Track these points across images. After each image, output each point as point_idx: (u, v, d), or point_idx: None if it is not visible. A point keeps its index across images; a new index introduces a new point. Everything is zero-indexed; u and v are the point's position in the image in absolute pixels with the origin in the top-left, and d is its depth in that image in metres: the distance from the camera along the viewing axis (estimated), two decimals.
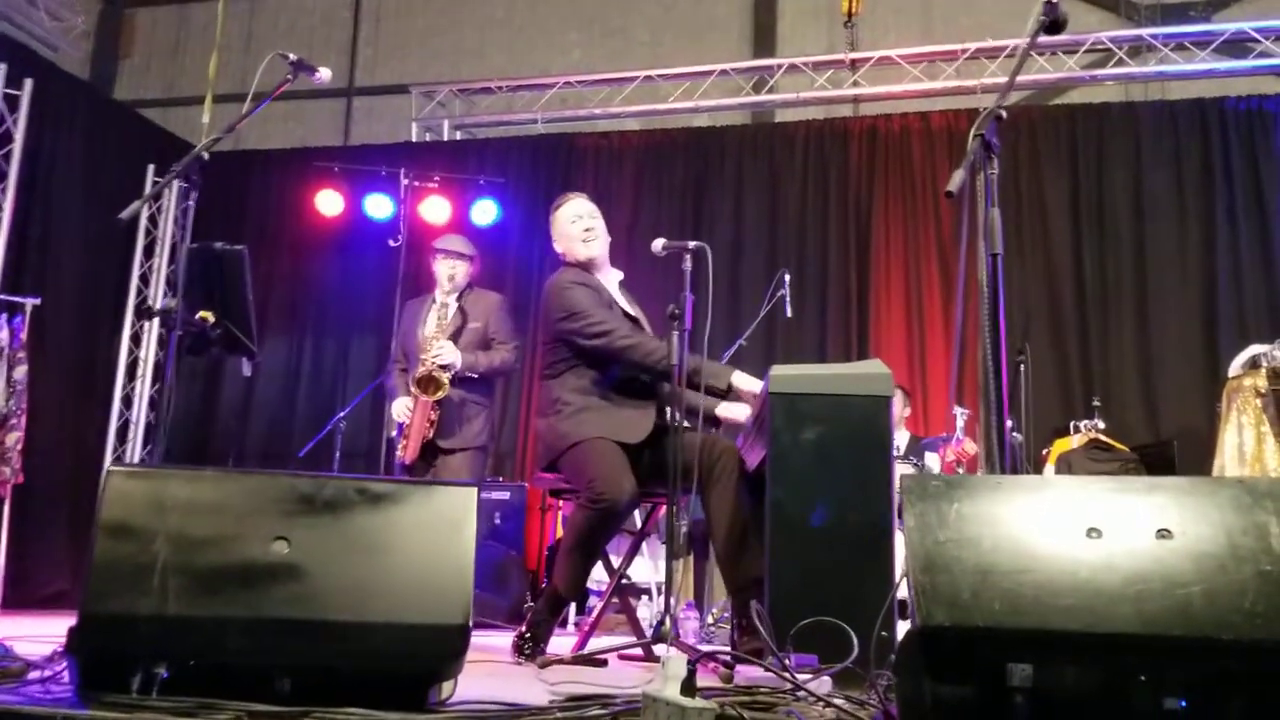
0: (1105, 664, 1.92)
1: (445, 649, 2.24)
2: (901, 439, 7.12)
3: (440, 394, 5.45)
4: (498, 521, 7.25)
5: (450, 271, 5.77)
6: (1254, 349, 6.65)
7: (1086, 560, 1.98)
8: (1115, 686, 1.91)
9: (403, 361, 5.87)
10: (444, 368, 5.46)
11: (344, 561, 2.26)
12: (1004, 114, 2.63)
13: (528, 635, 4.02)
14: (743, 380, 4.03)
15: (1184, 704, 1.89)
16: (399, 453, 5.62)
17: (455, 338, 5.62)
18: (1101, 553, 1.98)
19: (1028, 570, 1.98)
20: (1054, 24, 2.94)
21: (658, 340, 4.14)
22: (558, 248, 4.57)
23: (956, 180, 2.47)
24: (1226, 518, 1.98)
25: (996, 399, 2.55)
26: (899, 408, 7.06)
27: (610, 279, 4.53)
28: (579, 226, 4.47)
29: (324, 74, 4.00)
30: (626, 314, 4.38)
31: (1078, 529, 2.02)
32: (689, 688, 2.12)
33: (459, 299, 5.77)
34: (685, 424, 3.90)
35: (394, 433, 5.78)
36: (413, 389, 5.51)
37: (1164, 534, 1.98)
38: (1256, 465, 6.32)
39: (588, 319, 4.18)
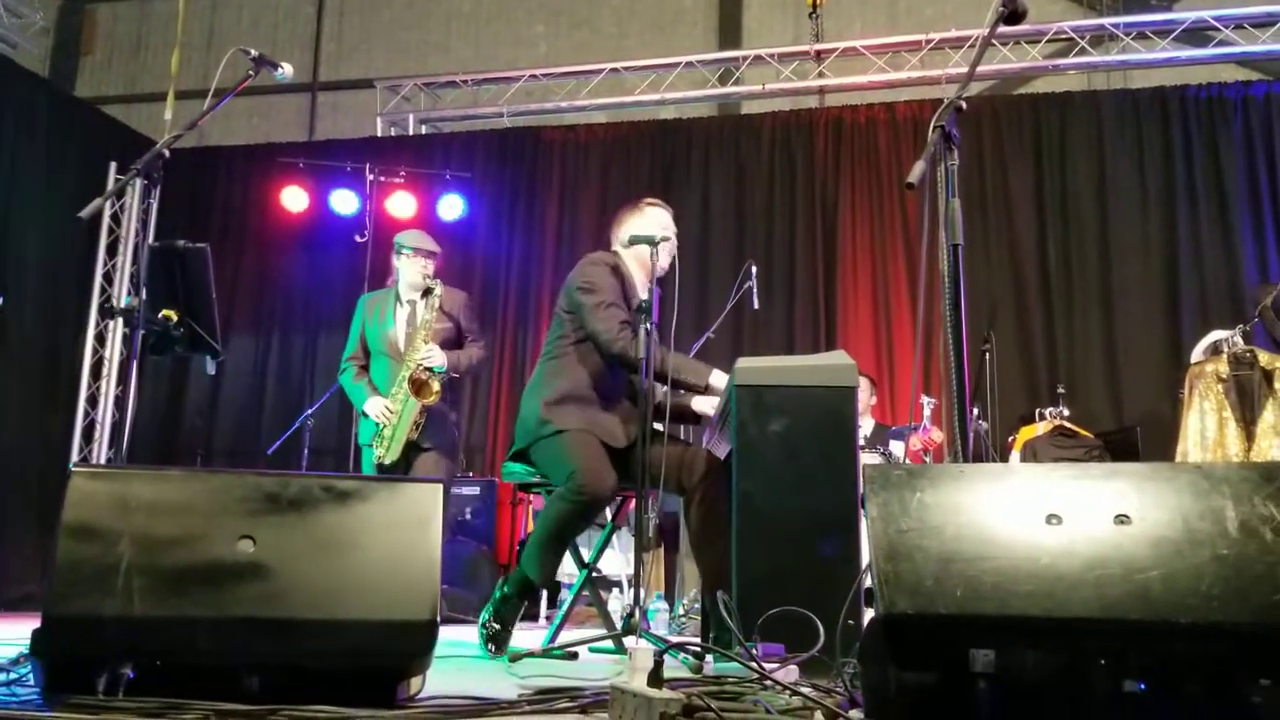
0: (1066, 648, 1.94)
1: (413, 645, 2.25)
2: (867, 427, 7.15)
3: (432, 398, 5.33)
4: (468, 516, 7.24)
5: (421, 269, 5.62)
6: (1215, 335, 6.74)
7: (1047, 546, 2.00)
8: (1076, 670, 1.93)
9: (361, 358, 5.70)
10: (432, 371, 5.36)
11: (310, 559, 2.26)
12: (964, 105, 2.66)
13: (496, 625, 4.00)
14: (721, 380, 4.01)
15: (1143, 686, 1.91)
16: (378, 453, 5.46)
17: (435, 337, 5.53)
18: (1061, 539, 2.01)
19: (989, 557, 2.00)
20: (1013, 14, 2.96)
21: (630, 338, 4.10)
22: (623, 240, 4.37)
23: (917, 171, 2.49)
24: (1184, 503, 2.00)
25: (958, 388, 2.58)
26: (865, 396, 7.09)
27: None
28: (666, 247, 4.27)
29: (286, 70, 3.98)
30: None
31: (1038, 516, 2.04)
32: (656, 679, 2.13)
33: (430, 299, 5.64)
34: (658, 426, 3.91)
35: (366, 440, 5.59)
36: (403, 390, 5.37)
37: (1122, 520, 2.01)
38: (1219, 450, 6.39)
39: (600, 298, 4.13)
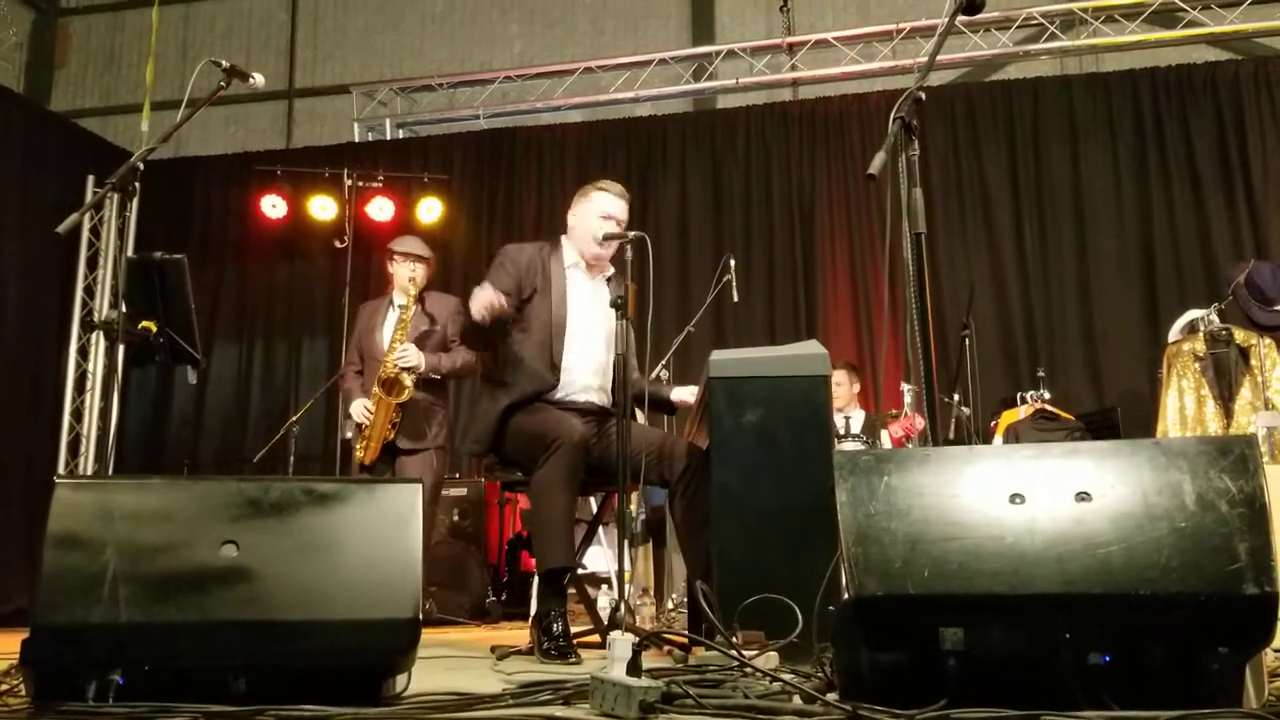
0: (1031, 624, 2.00)
1: (396, 643, 2.29)
2: (857, 418, 7.20)
3: (404, 396, 5.44)
4: (456, 519, 7.27)
5: (410, 273, 5.73)
6: (1191, 314, 6.81)
7: (1010, 525, 2.05)
8: (1042, 644, 1.99)
9: (358, 364, 5.86)
10: (407, 370, 5.44)
11: (293, 562, 2.30)
12: (923, 96, 2.70)
13: (553, 632, 3.74)
14: (682, 394, 4.18)
15: (1107, 659, 1.97)
16: (358, 453, 5.60)
17: (420, 340, 5.61)
18: (1024, 517, 2.06)
19: (955, 538, 2.06)
20: (971, 4, 2.99)
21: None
22: (571, 222, 4.37)
23: (877, 162, 2.54)
24: (1143, 478, 2.06)
25: (926, 373, 2.63)
26: (848, 385, 7.14)
27: (582, 270, 4.38)
28: (603, 225, 4.27)
29: (258, 79, 4.00)
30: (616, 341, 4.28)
31: (1001, 496, 2.09)
32: (635, 668, 2.18)
33: (419, 301, 5.75)
34: (640, 417, 3.95)
35: (349, 434, 5.75)
36: (376, 390, 5.48)
37: (1083, 497, 2.06)
38: (1198, 427, 6.47)
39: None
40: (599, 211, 4.30)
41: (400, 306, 5.74)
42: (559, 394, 4.13)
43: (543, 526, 3.85)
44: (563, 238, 4.40)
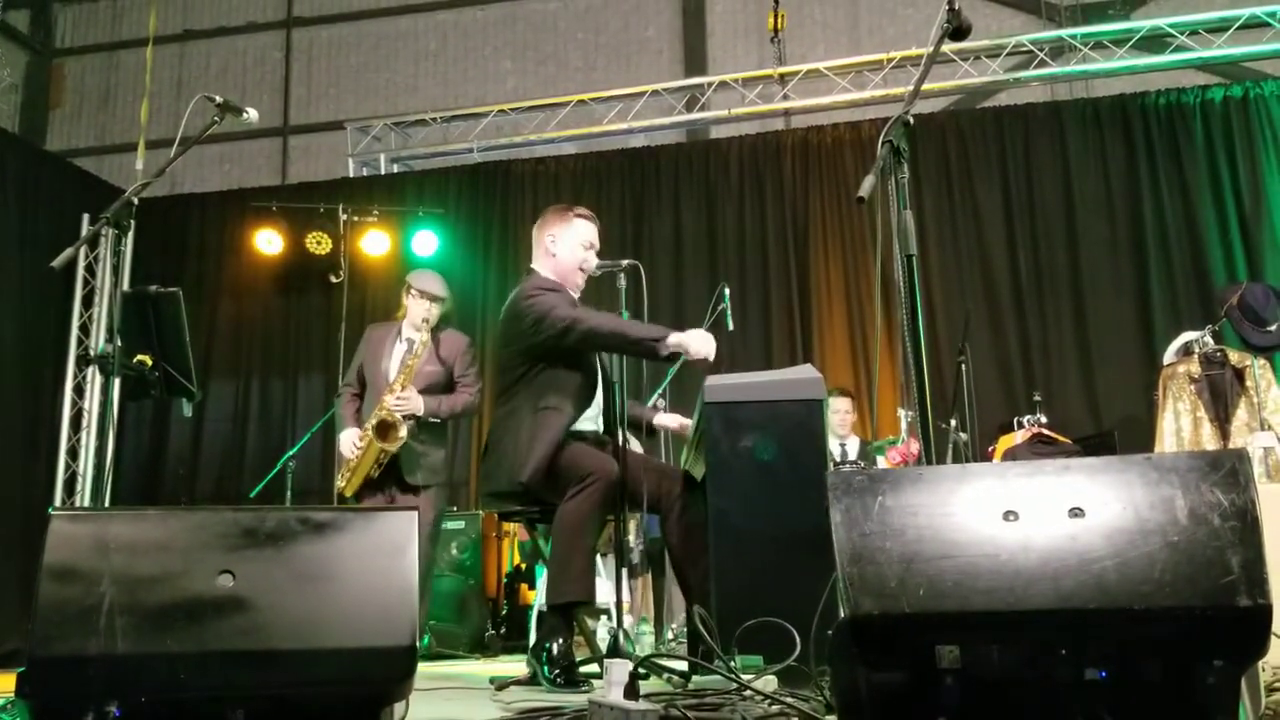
0: (1027, 641, 2.00)
1: (394, 671, 2.28)
2: (853, 445, 7.21)
3: (395, 446, 5.40)
4: (454, 552, 7.25)
5: (425, 313, 5.67)
6: (1186, 336, 6.83)
7: (1005, 543, 2.06)
8: (1038, 661, 1.99)
9: (356, 386, 5.79)
10: (406, 417, 5.42)
11: (289, 591, 2.30)
12: (911, 120, 2.73)
13: (562, 661, 3.77)
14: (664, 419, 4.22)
15: (1104, 675, 1.97)
16: (339, 482, 5.57)
17: (426, 380, 5.58)
18: (1019, 535, 2.06)
19: (949, 556, 2.06)
20: (957, 30, 3.03)
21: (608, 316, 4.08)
22: (551, 250, 4.33)
23: (867, 185, 2.56)
24: (1135, 494, 2.07)
25: (920, 396, 2.64)
26: (843, 413, 7.16)
27: None
28: (590, 258, 4.31)
29: (251, 115, 4.02)
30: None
31: (995, 513, 2.10)
32: (633, 692, 2.18)
33: (432, 339, 5.70)
34: (633, 443, 3.95)
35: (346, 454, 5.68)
36: (369, 430, 5.44)
37: (1076, 513, 2.07)
38: (1195, 449, 6.47)
39: (554, 311, 4.05)
40: (584, 241, 4.33)
41: (409, 340, 5.70)
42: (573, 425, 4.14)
43: (567, 559, 3.81)
44: (537, 265, 4.37)
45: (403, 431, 5.41)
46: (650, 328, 4.00)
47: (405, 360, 5.57)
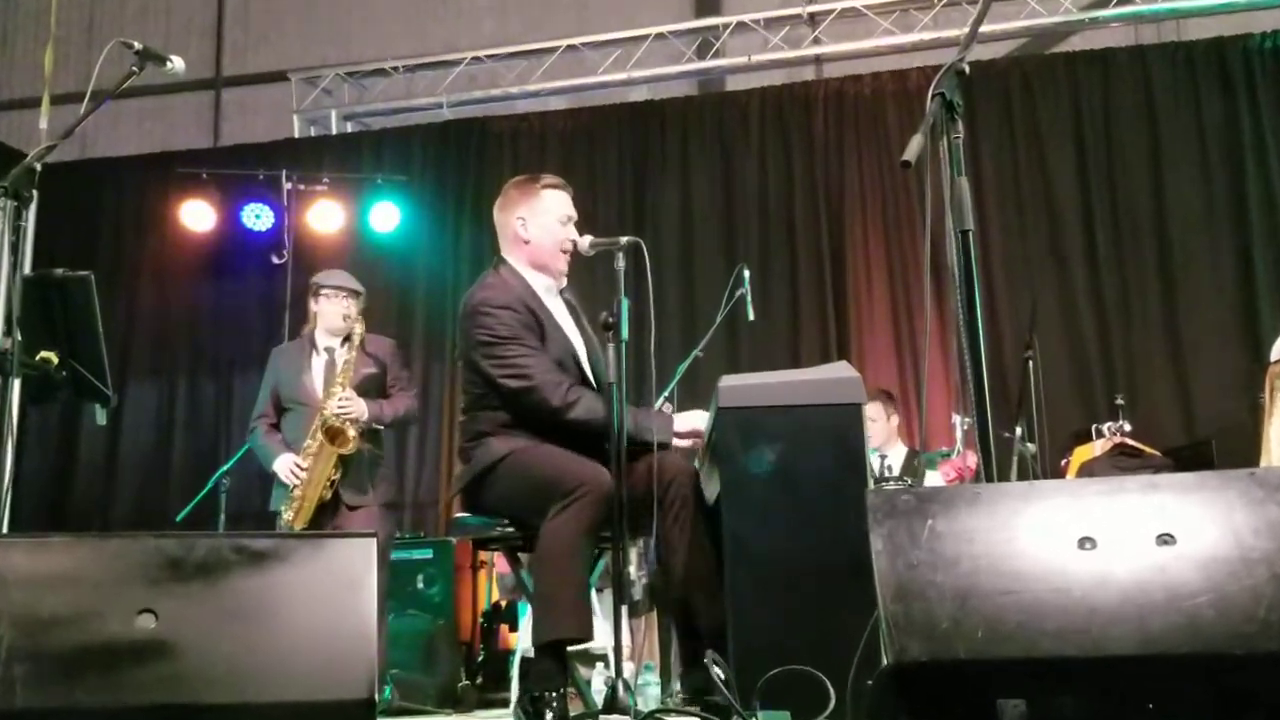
0: (1106, 692, 2.00)
1: None
2: (896, 456, 7.20)
3: (349, 447, 5.54)
4: (420, 586, 7.24)
5: (344, 310, 5.85)
6: None
7: (1079, 575, 2.06)
8: (1119, 717, 1.99)
9: (272, 416, 5.94)
10: (350, 421, 5.53)
11: (223, 634, 2.30)
12: (967, 68, 2.72)
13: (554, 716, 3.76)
14: (687, 421, 4.13)
15: None
16: (287, 518, 5.62)
17: (363, 385, 5.74)
18: (1095, 565, 2.06)
19: (1013, 591, 2.06)
20: None
21: (595, 397, 4.07)
22: (523, 234, 4.32)
23: (913, 147, 2.55)
24: (1235, 516, 2.07)
25: (978, 399, 2.64)
26: (884, 420, 7.16)
27: (554, 292, 4.43)
28: (570, 232, 4.31)
29: (177, 64, 4.01)
30: (578, 354, 4.31)
31: (1068, 540, 2.10)
32: None
33: (350, 341, 5.81)
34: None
35: (280, 507, 5.74)
36: (315, 439, 5.54)
37: (1165, 539, 2.07)
38: None
39: (504, 358, 4.06)
40: (559, 215, 4.33)
41: (327, 351, 5.86)
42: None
43: (555, 589, 3.80)
44: (509, 255, 4.37)
45: (352, 433, 5.54)
46: (650, 425, 4.02)
47: (344, 357, 5.69)
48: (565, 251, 4.29)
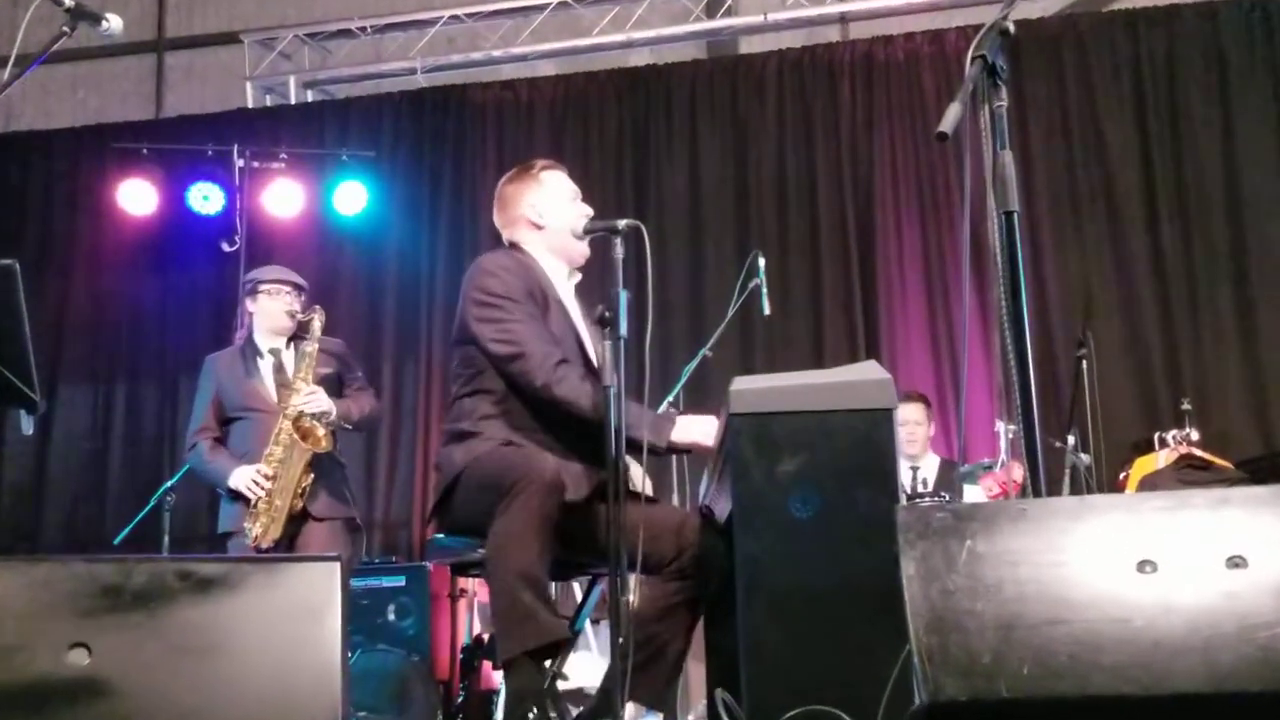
0: None
1: None
2: (930, 467, 7.21)
3: (323, 445, 5.63)
4: (392, 617, 7.25)
5: (287, 306, 5.94)
6: None
7: (1138, 603, 2.06)
8: None
9: (215, 429, 5.97)
10: (316, 417, 5.56)
11: (166, 671, 2.30)
12: (1012, 28, 2.72)
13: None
14: (692, 431, 4.10)
15: None
16: (254, 534, 5.60)
17: (323, 384, 5.83)
18: (1157, 592, 2.06)
19: (1064, 621, 2.06)
20: None
21: (585, 378, 4.12)
22: (539, 221, 4.41)
23: (951, 117, 2.55)
24: None
25: (1024, 402, 2.64)
26: (926, 426, 7.16)
27: (568, 282, 4.50)
28: (584, 209, 4.38)
29: (114, 23, 4.01)
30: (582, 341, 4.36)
31: (1126, 563, 2.09)
32: None
33: (297, 341, 5.93)
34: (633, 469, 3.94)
35: (229, 528, 5.78)
36: (281, 442, 5.57)
37: (1236, 562, 2.06)
38: None
39: (498, 321, 4.13)
40: (568, 194, 4.40)
41: (271, 352, 5.95)
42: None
43: (509, 595, 3.78)
44: (526, 242, 4.43)
45: (321, 430, 5.62)
46: (647, 422, 4.03)
47: (304, 349, 5.79)
48: (576, 234, 4.31)
